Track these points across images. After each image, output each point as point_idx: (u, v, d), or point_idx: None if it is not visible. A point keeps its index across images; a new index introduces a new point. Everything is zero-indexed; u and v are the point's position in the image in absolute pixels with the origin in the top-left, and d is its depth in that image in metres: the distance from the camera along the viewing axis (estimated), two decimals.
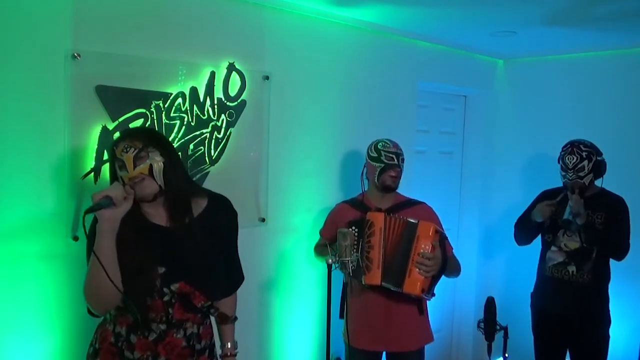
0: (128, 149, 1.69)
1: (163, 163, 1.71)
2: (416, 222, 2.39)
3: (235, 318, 1.99)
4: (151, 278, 1.68)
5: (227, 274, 1.93)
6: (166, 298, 1.71)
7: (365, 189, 2.66)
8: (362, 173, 2.67)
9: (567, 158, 2.80)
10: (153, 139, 1.76)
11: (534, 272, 3.07)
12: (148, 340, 1.70)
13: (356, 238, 2.42)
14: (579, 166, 2.76)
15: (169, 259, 1.71)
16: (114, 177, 1.76)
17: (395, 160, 2.54)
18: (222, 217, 1.89)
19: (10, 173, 1.98)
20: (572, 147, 2.81)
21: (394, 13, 2.91)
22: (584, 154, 2.77)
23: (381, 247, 2.40)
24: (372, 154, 2.58)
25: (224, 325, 1.96)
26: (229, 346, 1.96)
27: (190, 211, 1.78)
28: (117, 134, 2.16)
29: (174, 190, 1.74)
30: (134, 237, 1.69)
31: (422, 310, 2.58)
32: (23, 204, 2.02)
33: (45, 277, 2.08)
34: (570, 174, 2.78)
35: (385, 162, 2.53)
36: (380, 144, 2.58)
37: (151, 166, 1.69)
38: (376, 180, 2.56)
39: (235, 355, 1.98)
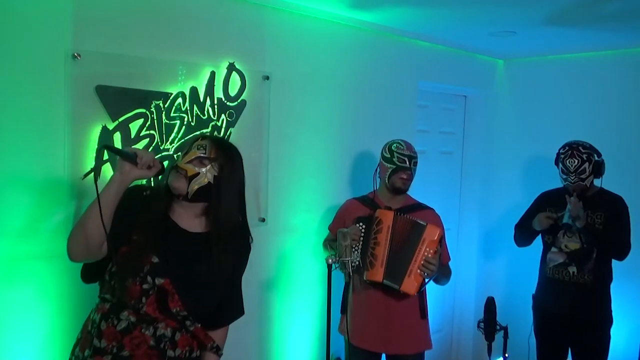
0: (200, 147, 1.74)
1: (210, 182, 1.72)
2: (425, 224, 2.41)
3: (218, 349, 1.84)
4: (142, 262, 1.66)
5: (225, 303, 1.85)
6: (145, 286, 1.66)
7: (377, 188, 2.66)
8: (375, 171, 2.66)
9: (568, 161, 2.78)
10: (226, 160, 1.76)
11: (533, 272, 3.07)
12: (115, 330, 1.65)
13: (363, 234, 2.44)
14: (581, 169, 2.75)
15: (165, 253, 1.70)
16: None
17: (408, 163, 2.52)
18: (235, 244, 1.82)
19: (11, 173, 1.98)
20: (572, 150, 2.79)
21: (394, 13, 2.91)
22: (584, 156, 2.75)
23: (387, 245, 2.41)
24: (385, 154, 2.56)
25: (207, 355, 1.83)
26: None
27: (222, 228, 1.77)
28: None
29: (219, 209, 1.74)
30: (149, 221, 1.70)
31: (425, 315, 2.59)
32: (23, 203, 2.02)
33: (45, 277, 2.08)
34: (573, 177, 2.76)
35: (397, 164, 2.51)
36: (394, 145, 2.56)
37: (197, 174, 1.71)
38: (387, 181, 2.56)
39: None
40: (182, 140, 2.40)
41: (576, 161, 2.75)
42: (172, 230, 1.75)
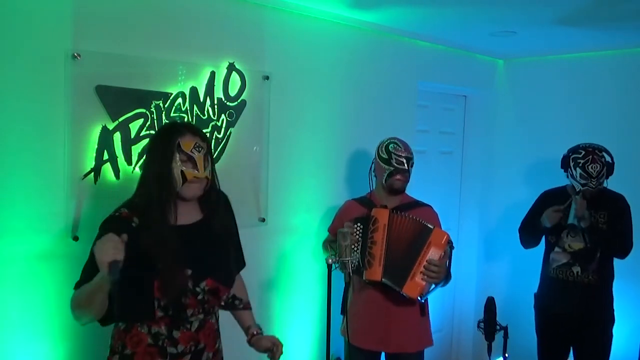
0: (200, 149, 1.73)
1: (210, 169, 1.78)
2: (432, 227, 2.40)
3: (249, 304, 2.05)
4: (184, 280, 1.69)
5: (235, 258, 1.98)
6: (200, 297, 1.73)
7: (373, 187, 2.65)
8: (370, 169, 2.65)
9: (590, 167, 2.72)
10: (210, 146, 1.80)
11: (534, 272, 3.07)
12: (191, 332, 1.74)
13: (360, 234, 2.44)
14: (601, 173, 2.73)
15: (194, 260, 1.72)
16: (160, 162, 1.70)
17: (406, 165, 2.51)
18: (224, 206, 1.91)
19: (11, 173, 1.98)
20: (590, 154, 2.74)
21: (394, 13, 2.91)
22: (602, 159, 2.74)
23: (384, 243, 2.41)
24: (382, 155, 2.55)
25: (247, 311, 2.03)
26: (256, 327, 2.01)
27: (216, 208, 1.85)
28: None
29: (215, 191, 1.83)
30: (162, 242, 1.66)
31: (424, 312, 2.58)
32: (23, 204, 2.02)
33: (45, 277, 2.08)
34: (594, 182, 2.72)
35: (395, 166, 2.50)
36: (391, 145, 2.54)
37: (211, 172, 1.76)
38: (384, 182, 2.55)
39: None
40: None
41: (598, 166, 2.72)
42: (180, 234, 1.73)
